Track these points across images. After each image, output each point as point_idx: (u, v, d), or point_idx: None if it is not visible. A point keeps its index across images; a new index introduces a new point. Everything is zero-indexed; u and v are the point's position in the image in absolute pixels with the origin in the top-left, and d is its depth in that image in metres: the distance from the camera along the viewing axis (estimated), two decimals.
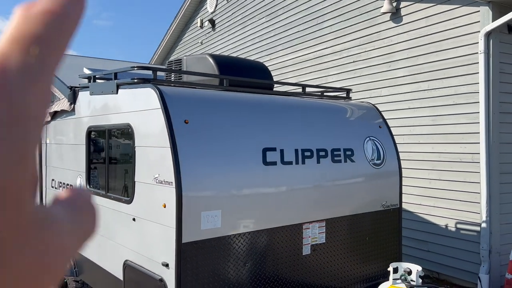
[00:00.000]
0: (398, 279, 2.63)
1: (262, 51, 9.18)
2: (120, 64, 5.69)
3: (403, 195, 6.01)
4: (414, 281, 2.56)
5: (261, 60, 9.04)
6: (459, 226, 5.47)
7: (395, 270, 2.66)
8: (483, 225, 5.11)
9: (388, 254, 3.75)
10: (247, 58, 9.41)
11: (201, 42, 11.51)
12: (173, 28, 12.62)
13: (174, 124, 2.65)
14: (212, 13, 10.99)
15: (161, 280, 2.65)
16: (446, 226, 5.61)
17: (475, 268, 5.21)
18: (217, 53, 10.67)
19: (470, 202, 5.31)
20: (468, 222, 5.35)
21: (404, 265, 2.65)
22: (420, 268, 2.62)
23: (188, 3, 11.76)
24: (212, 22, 10.96)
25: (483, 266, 5.08)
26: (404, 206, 6.10)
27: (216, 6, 10.83)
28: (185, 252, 2.55)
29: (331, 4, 7.38)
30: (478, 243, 5.18)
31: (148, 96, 2.81)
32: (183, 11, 12.02)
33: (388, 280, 2.68)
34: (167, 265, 2.60)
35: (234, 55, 9.97)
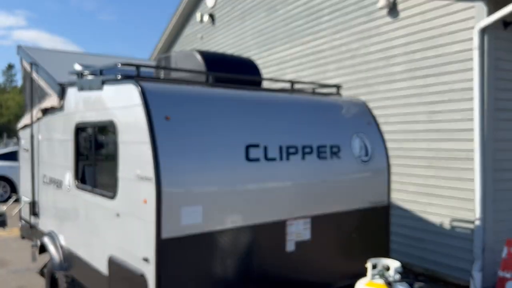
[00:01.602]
0: (376, 275, 2.63)
1: (261, 46, 9.16)
2: (115, 60, 5.71)
3: (399, 191, 6.02)
4: (391, 277, 2.56)
5: (260, 56, 9.04)
6: (453, 223, 5.45)
7: (374, 266, 2.66)
8: (477, 222, 5.08)
9: (375, 251, 3.73)
10: (247, 53, 9.40)
11: (201, 37, 11.51)
12: (173, 23, 12.62)
13: (155, 120, 2.66)
14: (212, 7, 10.98)
15: (142, 275, 2.67)
16: (441, 223, 5.59)
17: (469, 266, 5.19)
18: (217, 47, 10.67)
19: (465, 199, 5.28)
20: (462, 219, 5.32)
21: (383, 262, 2.65)
22: (398, 264, 2.61)
23: None
24: (212, 16, 10.95)
25: (477, 263, 5.06)
26: (400, 202, 6.09)
27: (216, 0, 10.81)
28: (165, 247, 2.57)
29: None
30: (472, 241, 5.16)
31: (130, 93, 2.82)
32: (183, 5, 12.01)
33: (366, 276, 2.68)
34: (147, 260, 2.62)
35: (234, 49, 9.97)
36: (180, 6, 12.11)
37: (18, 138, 5.74)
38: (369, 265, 2.68)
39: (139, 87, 2.74)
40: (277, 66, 8.60)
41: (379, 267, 2.64)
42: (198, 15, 11.49)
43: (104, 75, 3.23)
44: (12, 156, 12.98)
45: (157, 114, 2.69)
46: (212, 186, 2.81)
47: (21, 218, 5.51)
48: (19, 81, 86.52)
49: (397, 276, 2.58)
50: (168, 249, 2.59)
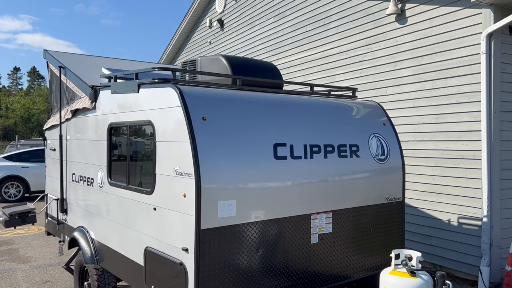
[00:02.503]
0: (399, 264, 2.84)
1: (270, 51, 9.40)
2: (136, 64, 5.94)
3: (407, 191, 6.24)
4: (414, 266, 2.77)
5: (269, 60, 9.27)
6: (461, 220, 5.66)
7: (397, 256, 2.87)
8: (484, 219, 5.30)
9: (391, 244, 3.95)
10: (256, 58, 9.64)
11: (210, 42, 11.76)
12: (182, 28, 12.88)
13: (193, 121, 2.87)
14: (220, 13, 11.23)
15: (181, 264, 2.89)
16: (449, 220, 5.81)
17: (476, 261, 5.41)
18: (226, 52, 10.91)
19: (472, 197, 5.50)
20: (470, 217, 5.54)
21: (405, 252, 2.86)
22: (419, 254, 2.82)
23: (197, 3, 12.01)
24: (220, 22, 11.20)
25: (484, 259, 5.28)
26: (408, 201, 6.31)
27: (224, 6, 11.06)
28: (204, 238, 2.79)
29: (338, 6, 7.58)
30: (480, 237, 5.38)
31: (168, 95, 3.04)
32: (192, 11, 12.27)
33: (390, 265, 2.89)
34: (186, 250, 2.84)
35: (243, 54, 10.21)
36: (189, 12, 12.36)
37: (44, 139, 5.96)
38: (392, 255, 2.89)
39: (178, 90, 2.96)
40: (286, 70, 8.83)
41: (401, 257, 2.85)
42: (207, 21, 11.75)
43: (140, 79, 3.45)
44: (24, 157, 13.21)
45: (195, 115, 2.91)
46: (244, 182, 3.02)
47: (47, 215, 5.72)
48: (24, 83, 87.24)
49: (420, 266, 2.79)
50: (206, 240, 2.80)
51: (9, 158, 13.25)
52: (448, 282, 2.70)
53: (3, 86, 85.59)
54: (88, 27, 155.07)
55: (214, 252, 2.85)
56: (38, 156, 13.39)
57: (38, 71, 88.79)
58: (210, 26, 11.73)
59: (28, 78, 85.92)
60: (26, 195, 12.98)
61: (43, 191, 13.00)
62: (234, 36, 10.71)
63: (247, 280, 3.02)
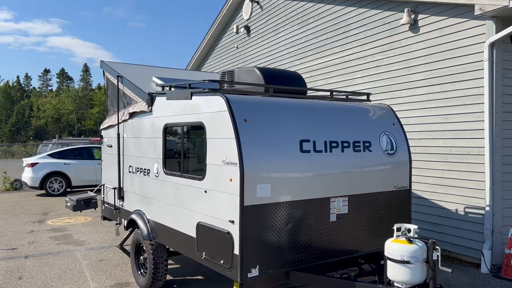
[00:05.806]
0: (400, 235, 3.57)
1: (293, 56, 10.16)
2: (180, 72, 6.84)
3: (420, 183, 6.93)
4: (411, 236, 3.49)
5: (292, 64, 10.05)
6: (467, 210, 6.32)
7: (398, 229, 3.61)
8: (487, 208, 5.94)
9: None
10: (281, 62, 10.43)
11: (237, 47, 12.60)
12: (210, 34, 13.77)
13: (237, 122, 3.68)
14: (247, 20, 12.06)
15: (228, 232, 3.70)
16: (456, 210, 6.46)
17: (480, 246, 6.05)
18: (252, 57, 11.74)
19: (477, 189, 6.15)
20: (475, 206, 6.19)
21: (405, 225, 3.59)
22: (416, 227, 3.55)
23: (225, 11, 12.87)
24: (247, 28, 12.02)
25: (486, 243, 5.92)
26: (420, 193, 6.99)
27: (251, 14, 11.88)
28: (246, 212, 3.60)
29: (357, 15, 8.29)
30: (483, 224, 6.02)
31: (217, 102, 3.86)
32: (220, 17, 13.13)
33: (393, 237, 3.63)
34: (232, 222, 3.65)
35: (268, 59, 11.01)
36: (217, 18, 13.24)
37: (101, 137, 6.90)
38: (395, 227, 3.63)
39: (225, 98, 3.78)
40: (308, 73, 9.58)
41: (402, 229, 3.59)
42: (234, 27, 12.60)
43: (192, 88, 4.29)
44: (66, 154, 14.38)
45: (238, 117, 3.72)
46: (277, 170, 3.82)
47: (104, 203, 6.65)
48: (54, 85, 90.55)
49: (416, 235, 3.52)
50: (248, 214, 3.61)
51: (52, 155, 14.43)
52: (437, 247, 3.41)
53: (34, 88, 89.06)
54: (114, 29, 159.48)
55: (253, 223, 3.65)
56: (78, 154, 14.54)
57: (67, 72, 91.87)
58: (237, 32, 12.57)
59: (58, 80, 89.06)
60: (67, 189, 14.11)
61: (83, 186, 14.13)
62: (260, 42, 11.51)
63: (278, 247, 3.81)
